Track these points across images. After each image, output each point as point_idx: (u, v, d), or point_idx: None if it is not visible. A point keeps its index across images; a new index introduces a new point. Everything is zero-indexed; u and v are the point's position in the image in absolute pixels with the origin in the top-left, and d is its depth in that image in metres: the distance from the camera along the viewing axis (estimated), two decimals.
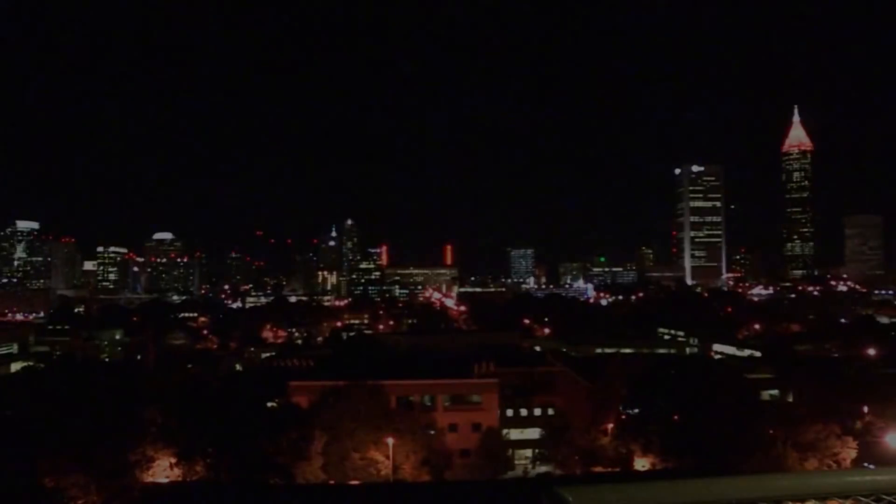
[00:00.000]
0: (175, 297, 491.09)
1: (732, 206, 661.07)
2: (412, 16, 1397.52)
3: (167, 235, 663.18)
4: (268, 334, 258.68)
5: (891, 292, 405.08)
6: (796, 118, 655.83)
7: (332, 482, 72.75)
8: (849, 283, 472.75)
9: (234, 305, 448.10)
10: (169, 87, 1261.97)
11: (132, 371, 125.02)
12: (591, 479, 73.42)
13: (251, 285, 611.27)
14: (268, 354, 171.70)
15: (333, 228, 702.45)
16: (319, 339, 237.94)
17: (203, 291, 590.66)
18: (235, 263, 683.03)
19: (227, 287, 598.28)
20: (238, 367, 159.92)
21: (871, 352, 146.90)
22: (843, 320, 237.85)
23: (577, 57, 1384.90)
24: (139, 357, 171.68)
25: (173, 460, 67.97)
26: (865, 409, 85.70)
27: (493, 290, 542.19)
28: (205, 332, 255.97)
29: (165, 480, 67.53)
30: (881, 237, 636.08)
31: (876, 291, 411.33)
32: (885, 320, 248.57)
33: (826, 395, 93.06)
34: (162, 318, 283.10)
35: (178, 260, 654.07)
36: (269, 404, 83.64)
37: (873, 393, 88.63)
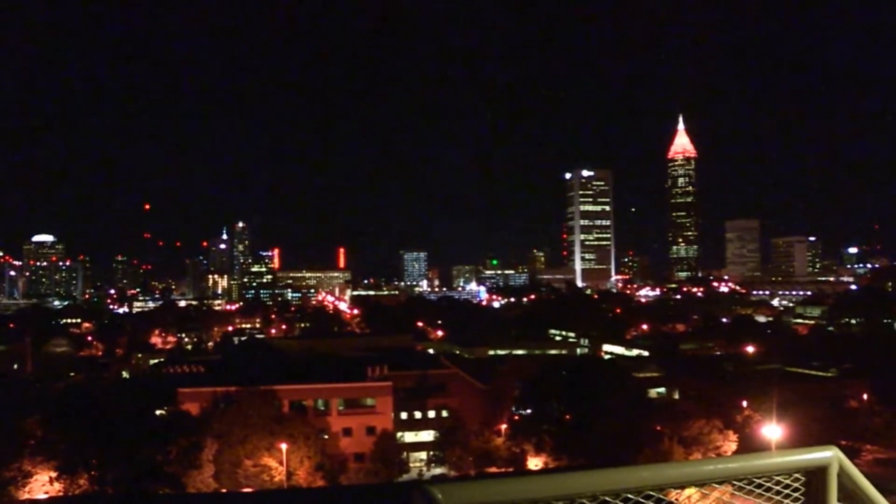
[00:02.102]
0: (56, 303, 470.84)
1: (633, 209, 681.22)
2: (281, 19, 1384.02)
3: (48, 238, 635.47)
4: (156, 340, 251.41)
5: (767, 293, 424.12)
6: (681, 126, 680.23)
7: (224, 490, 71.40)
8: (729, 284, 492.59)
9: (121, 310, 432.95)
10: (45, 82, 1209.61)
11: (8, 381, 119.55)
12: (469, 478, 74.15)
13: (138, 289, 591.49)
14: (156, 361, 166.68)
15: (224, 231, 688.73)
16: (210, 344, 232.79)
17: (87, 296, 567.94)
18: (122, 267, 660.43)
19: (112, 291, 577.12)
20: (125, 374, 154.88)
21: (750, 349, 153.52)
22: (724, 320, 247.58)
23: (468, 61, 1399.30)
24: (16, 366, 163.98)
25: (53, 474, 65.28)
26: (744, 403, 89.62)
27: (386, 292, 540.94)
28: (89, 338, 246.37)
29: (44, 497, 64.77)
30: (758, 240, 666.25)
31: (754, 292, 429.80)
32: (762, 319, 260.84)
33: (709, 392, 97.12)
34: (42, 325, 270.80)
35: (60, 264, 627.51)
36: (158, 412, 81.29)
37: (751, 388, 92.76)
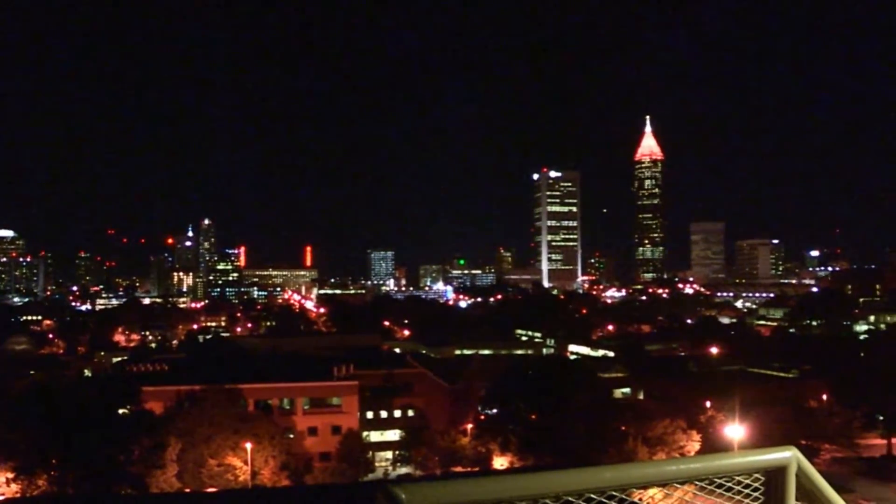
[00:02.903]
0: (16, 299, 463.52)
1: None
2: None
3: (7, 233, 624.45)
4: (120, 338, 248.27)
5: (731, 294, 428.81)
6: (648, 128, 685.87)
7: (187, 490, 70.74)
8: (694, 285, 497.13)
9: (83, 308, 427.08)
10: (7, 75, 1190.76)
11: None
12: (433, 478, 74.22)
13: (102, 286, 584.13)
14: (119, 359, 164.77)
15: (190, 228, 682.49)
16: (175, 342, 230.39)
17: (48, 293, 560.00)
18: (85, 263, 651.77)
19: (75, 288, 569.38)
20: (87, 372, 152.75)
21: (714, 350, 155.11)
22: (689, 321, 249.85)
23: (437, 62, 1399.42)
24: None
25: (10, 475, 64.22)
26: (708, 403, 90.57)
27: (352, 291, 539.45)
28: (50, 336, 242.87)
29: (1, 498, 63.73)
30: (723, 243, 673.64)
31: (718, 294, 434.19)
32: (725, 320, 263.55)
33: (673, 392, 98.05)
34: (1, 322, 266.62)
35: (21, 260, 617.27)
36: (121, 411, 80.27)
37: (715, 388, 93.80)
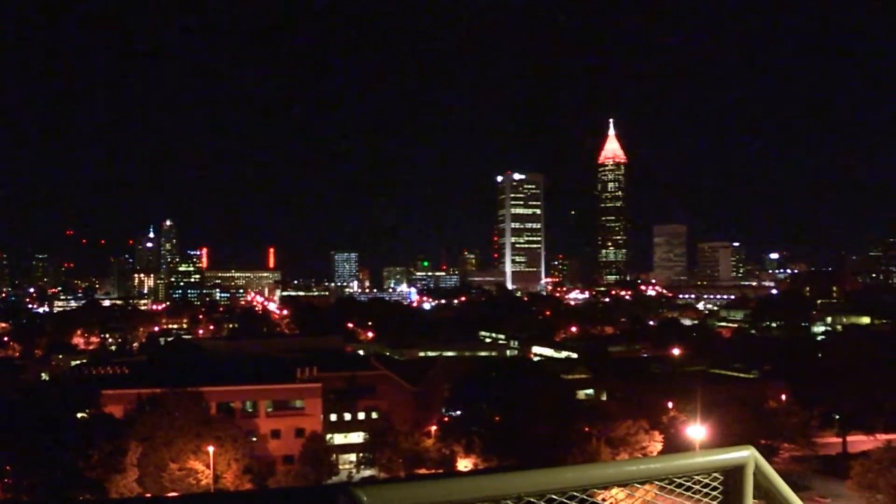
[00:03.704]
0: None
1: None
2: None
3: None
4: (78, 340, 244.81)
5: (693, 296, 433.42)
6: (612, 132, 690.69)
7: (148, 495, 69.91)
8: (657, 287, 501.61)
9: (41, 310, 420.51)
10: None
11: None
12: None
13: (60, 288, 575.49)
14: (78, 362, 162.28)
15: (151, 229, 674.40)
16: (135, 344, 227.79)
17: (3, 295, 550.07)
18: (42, 265, 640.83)
19: (32, 290, 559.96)
20: (44, 375, 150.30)
21: (676, 351, 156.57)
22: (651, 322, 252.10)
23: (400, 62, 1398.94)
24: None
25: None
26: (670, 404, 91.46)
27: (316, 293, 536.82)
28: (5, 339, 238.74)
29: None
30: (685, 245, 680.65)
31: (680, 296, 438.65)
32: (687, 322, 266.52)
33: (636, 393, 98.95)
34: None
35: None
36: (80, 415, 79.14)
37: (677, 389, 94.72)
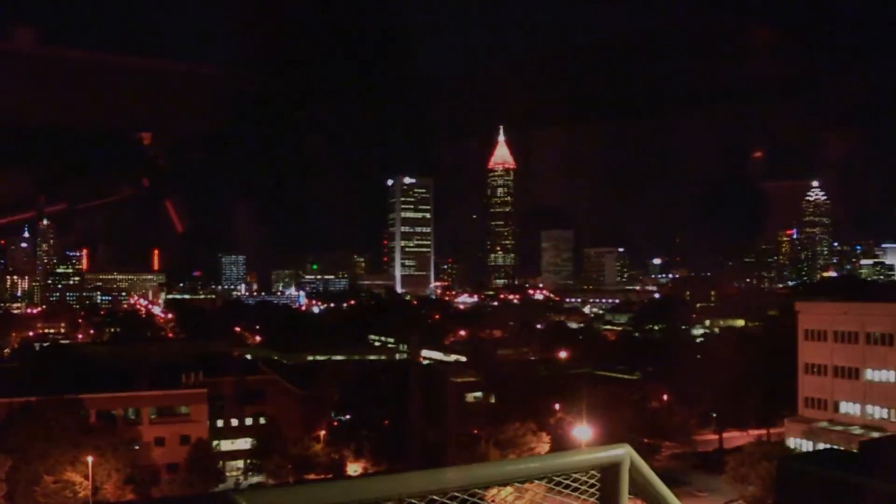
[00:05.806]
0: None
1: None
2: None
3: None
4: None
5: (579, 300, 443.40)
6: (501, 138, 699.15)
7: None
8: (544, 291, 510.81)
9: None
10: None
11: None
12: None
13: None
14: None
15: (26, 229, 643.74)
16: (7, 350, 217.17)
17: None
18: None
19: None
20: None
21: (563, 354, 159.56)
22: (539, 326, 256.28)
23: (291, 63, 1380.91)
24: None
25: None
26: (557, 405, 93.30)
27: (202, 297, 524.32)
28: None
29: None
30: (572, 251, 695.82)
31: (567, 300, 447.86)
32: (574, 325, 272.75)
33: (524, 395, 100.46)
34: None
35: None
36: None
37: (563, 391, 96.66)
